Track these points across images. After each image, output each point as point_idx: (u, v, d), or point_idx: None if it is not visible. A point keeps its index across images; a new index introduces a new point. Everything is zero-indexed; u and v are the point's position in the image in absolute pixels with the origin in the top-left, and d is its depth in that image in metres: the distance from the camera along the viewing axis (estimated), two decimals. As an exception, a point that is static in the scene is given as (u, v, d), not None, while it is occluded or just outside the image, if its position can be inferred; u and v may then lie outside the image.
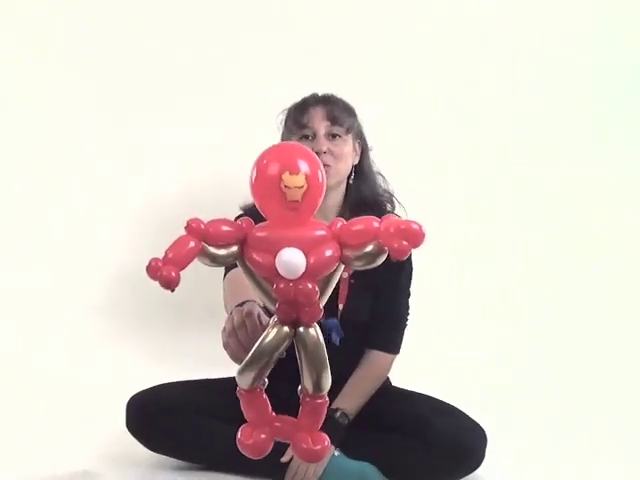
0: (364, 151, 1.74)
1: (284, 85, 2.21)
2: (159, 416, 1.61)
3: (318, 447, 1.09)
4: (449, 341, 2.43)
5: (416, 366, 2.14)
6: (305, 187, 1.02)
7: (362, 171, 1.73)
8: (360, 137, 1.74)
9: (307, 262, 1.01)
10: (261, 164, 1.05)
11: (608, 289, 2.58)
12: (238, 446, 1.11)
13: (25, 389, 2.15)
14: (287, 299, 1.02)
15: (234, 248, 1.04)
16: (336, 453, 1.56)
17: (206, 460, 1.63)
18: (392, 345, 1.71)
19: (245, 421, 1.19)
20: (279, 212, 1.04)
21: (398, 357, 1.89)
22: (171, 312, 2.46)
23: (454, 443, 1.52)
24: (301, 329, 1.05)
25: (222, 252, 1.04)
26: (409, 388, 1.72)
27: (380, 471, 1.53)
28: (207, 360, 2.16)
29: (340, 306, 1.64)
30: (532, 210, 2.63)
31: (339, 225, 1.04)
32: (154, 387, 1.68)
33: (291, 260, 1.01)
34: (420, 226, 1.03)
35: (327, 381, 1.07)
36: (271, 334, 1.05)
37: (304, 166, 1.03)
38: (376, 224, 1.01)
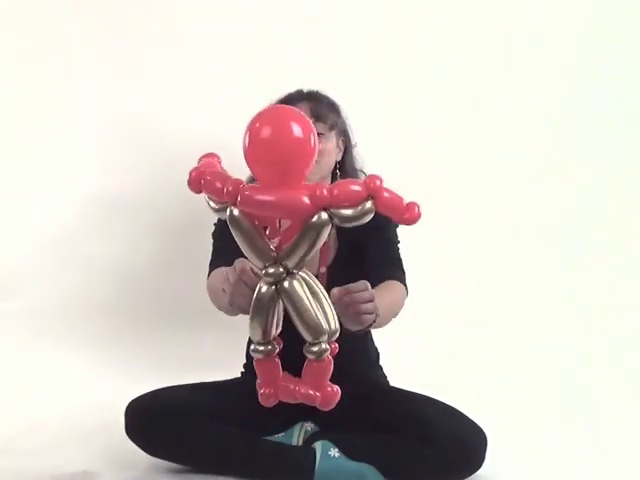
0: (347, 148, 1.76)
1: (271, 80, 2.21)
2: (158, 421, 1.60)
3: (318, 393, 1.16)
4: (449, 341, 2.43)
5: (416, 366, 2.16)
6: None
7: (344, 168, 1.75)
8: (344, 134, 1.75)
9: None
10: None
11: (608, 288, 2.58)
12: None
13: (24, 389, 2.15)
14: None
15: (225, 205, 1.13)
16: (336, 454, 1.56)
17: (206, 464, 1.62)
18: (402, 278, 1.67)
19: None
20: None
21: (398, 357, 1.90)
22: (170, 315, 2.46)
23: (454, 444, 1.52)
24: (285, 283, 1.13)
25: (216, 205, 1.14)
26: (409, 388, 1.71)
27: (380, 472, 1.53)
28: (206, 363, 2.17)
29: (322, 269, 1.66)
30: (528, 210, 2.63)
31: (325, 192, 1.08)
32: (153, 391, 1.67)
33: None
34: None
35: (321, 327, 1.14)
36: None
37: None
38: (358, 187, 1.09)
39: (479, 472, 1.55)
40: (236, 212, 1.11)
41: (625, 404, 2.12)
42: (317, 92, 1.78)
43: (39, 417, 1.97)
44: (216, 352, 2.29)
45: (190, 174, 1.15)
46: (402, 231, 1.80)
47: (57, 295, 2.48)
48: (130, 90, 2.51)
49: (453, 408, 1.61)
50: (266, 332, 1.16)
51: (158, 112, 2.49)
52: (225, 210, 1.12)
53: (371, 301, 1.30)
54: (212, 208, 1.15)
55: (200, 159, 1.20)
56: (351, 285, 1.28)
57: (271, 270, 1.13)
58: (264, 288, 1.14)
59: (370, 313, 1.31)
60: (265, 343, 1.17)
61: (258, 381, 1.22)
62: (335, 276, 1.57)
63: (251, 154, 1.11)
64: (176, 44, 2.50)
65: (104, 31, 2.50)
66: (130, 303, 2.49)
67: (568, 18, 2.61)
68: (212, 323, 1.94)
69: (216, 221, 1.80)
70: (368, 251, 1.68)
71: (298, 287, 1.14)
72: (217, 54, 2.51)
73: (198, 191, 1.14)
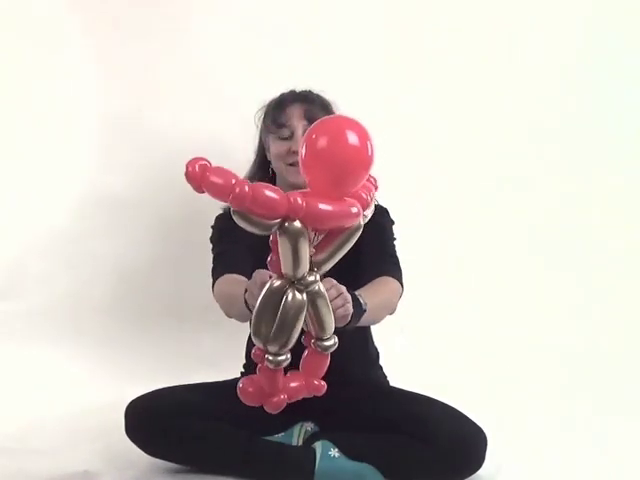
0: None
1: (271, 80, 2.21)
2: (158, 421, 1.60)
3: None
4: (449, 341, 2.43)
5: (416, 366, 2.16)
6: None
7: None
8: None
9: None
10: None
11: (608, 288, 2.58)
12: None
13: (24, 389, 2.15)
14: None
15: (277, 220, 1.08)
16: (336, 454, 1.56)
17: (206, 464, 1.63)
18: (397, 275, 1.68)
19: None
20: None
21: (398, 357, 1.91)
22: (170, 315, 2.46)
23: (454, 444, 1.52)
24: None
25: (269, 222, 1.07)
26: (409, 388, 1.71)
27: (380, 472, 1.53)
28: (206, 363, 2.17)
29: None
30: (529, 210, 2.63)
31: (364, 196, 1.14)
32: (153, 391, 1.67)
33: None
34: None
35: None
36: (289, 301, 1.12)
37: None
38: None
39: (479, 472, 1.55)
40: (299, 225, 1.06)
41: (625, 404, 2.12)
42: (310, 92, 1.78)
43: (39, 417, 1.97)
44: (216, 352, 2.29)
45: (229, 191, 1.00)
46: (402, 231, 1.80)
47: (57, 295, 2.48)
48: (130, 90, 2.51)
49: (453, 408, 1.60)
50: (291, 341, 1.13)
51: (158, 112, 2.49)
52: (275, 225, 1.06)
53: (339, 296, 1.30)
54: (262, 226, 1.05)
55: (196, 164, 1.01)
56: (326, 284, 1.25)
57: (311, 278, 1.12)
58: (292, 296, 1.11)
59: (341, 306, 1.30)
60: (284, 353, 1.14)
61: (242, 386, 1.18)
62: (330, 276, 1.58)
63: (308, 164, 1.10)
64: (176, 44, 2.50)
65: (104, 31, 2.50)
66: (130, 303, 2.49)
67: (568, 18, 2.61)
68: (212, 323, 1.94)
69: (213, 224, 1.80)
70: (364, 248, 1.68)
71: (323, 289, 1.15)
72: (217, 54, 2.51)
73: (242, 210, 1.02)
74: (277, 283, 1.12)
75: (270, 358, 1.13)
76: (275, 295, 1.11)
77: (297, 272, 1.10)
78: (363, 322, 1.44)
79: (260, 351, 1.15)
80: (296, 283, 1.11)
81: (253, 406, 1.20)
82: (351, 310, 1.34)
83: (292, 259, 1.09)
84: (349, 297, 1.34)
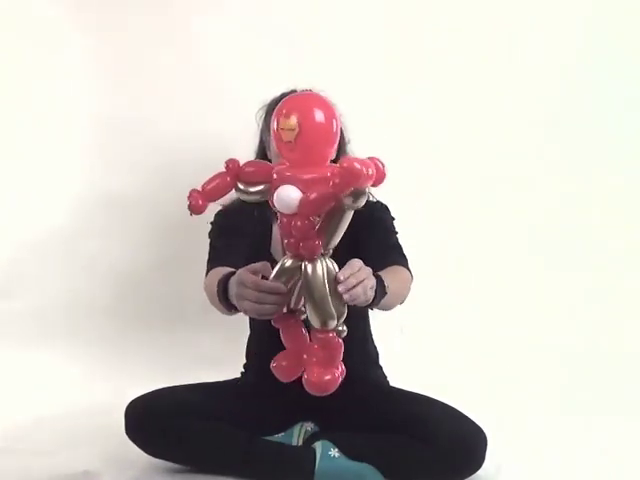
0: (341, 145, 1.75)
1: (271, 80, 2.22)
2: (158, 421, 1.61)
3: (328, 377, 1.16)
4: (449, 341, 2.43)
5: (416, 366, 2.16)
6: (297, 130, 1.11)
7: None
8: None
9: (301, 199, 1.10)
10: (280, 113, 1.15)
11: (608, 288, 2.58)
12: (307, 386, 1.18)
13: (24, 389, 2.16)
14: (287, 233, 1.14)
15: (261, 187, 1.17)
16: (336, 454, 1.56)
17: (206, 464, 1.63)
18: (406, 265, 1.67)
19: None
20: (281, 154, 1.16)
21: (398, 357, 1.90)
22: (170, 315, 2.46)
23: (454, 444, 1.52)
24: (303, 265, 1.14)
25: (253, 189, 1.17)
26: (409, 388, 1.71)
27: (380, 472, 1.53)
28: (206, 363, 2.17)
29: None
30: (529, 210, 2.62)
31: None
32: (153, 391, 1.67)
33: (281, 196, 1.12)
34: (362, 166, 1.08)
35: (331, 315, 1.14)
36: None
37: (297, 109, 1.12)
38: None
39: (479, 472, 1.55)
40: None
41: (625, 404, 2.12)
42: (310, 92, 1.78)
43: (39, 417, 1.97)
44: (216, 352, 2.29)
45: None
46: (402, 231, 1.80)
47: (56, 295, 2.48)
48: (129, 90, 2.51)
49: (453, 408, 1.61)
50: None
51: (159, 112, 2.49)
52: (260, 192, 1.17)
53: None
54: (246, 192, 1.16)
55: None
56: (348, 271, 1.20)
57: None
58: (328, 263, 1.15)
59: (362, 281, 1.22)
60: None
61: (312, 380, 1.17)
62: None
63: (273, 135, 1.15)
64: (176, 44, 2.50)
65: (104, 31, 2.50)
66: (130, 303, 2.49)
67: (568, 18, 2.60)
68: (212, 323, 1.94)
69: (212, 220, 1.81)
70: (368, 242, 1.68)
71: None
72: (217, 54, 2.51)
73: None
74: (313, 264, 1.14)
75: (341, 329, 1.16)
76: (321, 274, 1.14)
77: (334, 243, 1.15)
78: (381, 306, 1.41)
79: (319, 340, 1.15)
80: (325, 254, 1.15)
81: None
82: (371, 295, 1.28)
83: (339, 230, 1.14)
84: (373, 282, 1.27)
